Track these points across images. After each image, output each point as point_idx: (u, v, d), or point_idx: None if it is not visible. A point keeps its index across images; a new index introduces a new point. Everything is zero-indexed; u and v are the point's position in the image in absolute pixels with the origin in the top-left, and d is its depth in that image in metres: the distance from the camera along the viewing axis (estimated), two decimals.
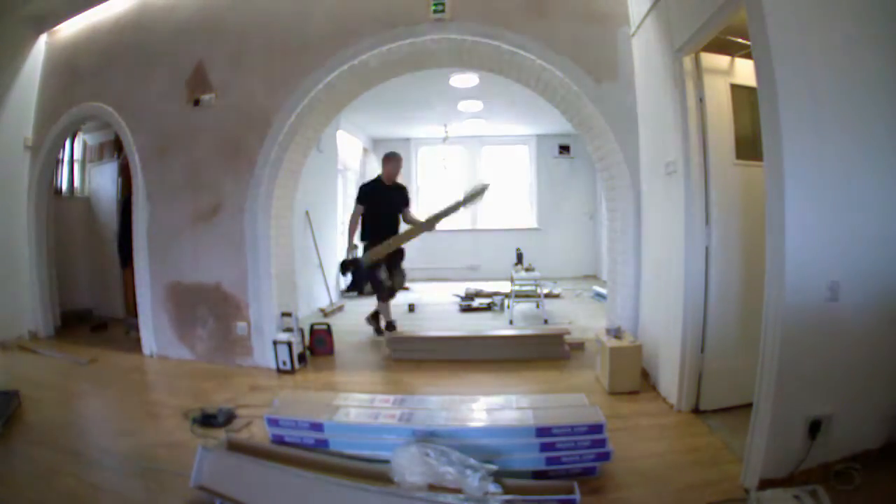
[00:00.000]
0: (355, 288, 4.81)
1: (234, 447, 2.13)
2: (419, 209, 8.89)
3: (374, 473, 1.88)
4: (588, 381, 3.20)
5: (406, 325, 4.69)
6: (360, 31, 3.42)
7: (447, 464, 1.78)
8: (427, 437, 2.02)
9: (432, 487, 1.74)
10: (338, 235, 6.83)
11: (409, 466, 1.78)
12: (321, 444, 2.16)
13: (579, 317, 5.11)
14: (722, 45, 2.53)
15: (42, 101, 4.49)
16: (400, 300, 5.74)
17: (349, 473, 1.93)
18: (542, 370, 3.46)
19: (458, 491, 1.72)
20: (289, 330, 3.59)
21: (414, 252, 7.95)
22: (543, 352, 3.70)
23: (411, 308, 5.73)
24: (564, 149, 8.55)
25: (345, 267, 4.26)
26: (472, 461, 1.80)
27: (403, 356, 3.76)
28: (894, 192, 1.87)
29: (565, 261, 8.09)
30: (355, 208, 4.36)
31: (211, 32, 3.74)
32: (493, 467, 1.81)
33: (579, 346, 3.85)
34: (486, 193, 4.25)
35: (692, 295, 2.56)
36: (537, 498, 1.70)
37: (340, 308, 5.95)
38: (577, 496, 1.71)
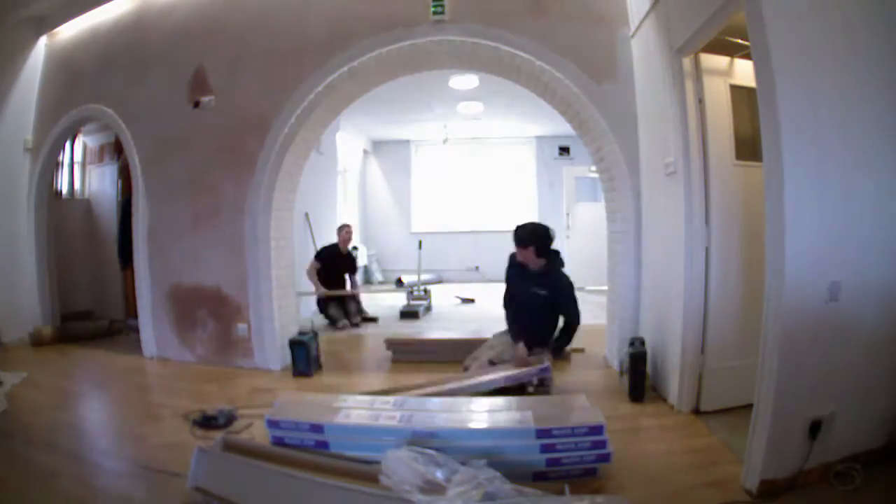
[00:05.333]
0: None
1: (230, 448, 2.13)
2: (418, 210, 8.94)
3: (370, 474, 1.87)
4: (588, 382, 3.19)
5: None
6: (359, 33, 3.43)
7: (435, 466, 1.78)
8: (427, 439, 2.02)
9: (423, 490, 1.73)
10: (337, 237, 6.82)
11: (398, 469, 1.78)
12: (321, 446, 2.16)
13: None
14: (721, 46, 2.53)
15: (42, 103, 4.50)
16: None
17: (345, 474, 1.92)
18: None
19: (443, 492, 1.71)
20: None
21: (412, 254, 7.98)
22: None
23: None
24: (564, 150, 8.55)
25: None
26: (460, 465, 1.79)
27: (402, 358, 3.75)
28: (894, 193, 1.87)
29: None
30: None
31: (210, 35, 3.75)
32: (488, 472, 1.79)
33: (579, 348, 3.85)
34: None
35: (692, 295, 2.56)
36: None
37: None
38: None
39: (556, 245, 3.11)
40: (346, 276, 5.27)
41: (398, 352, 3.81)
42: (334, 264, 5.15)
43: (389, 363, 3.73)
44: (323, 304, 5.09)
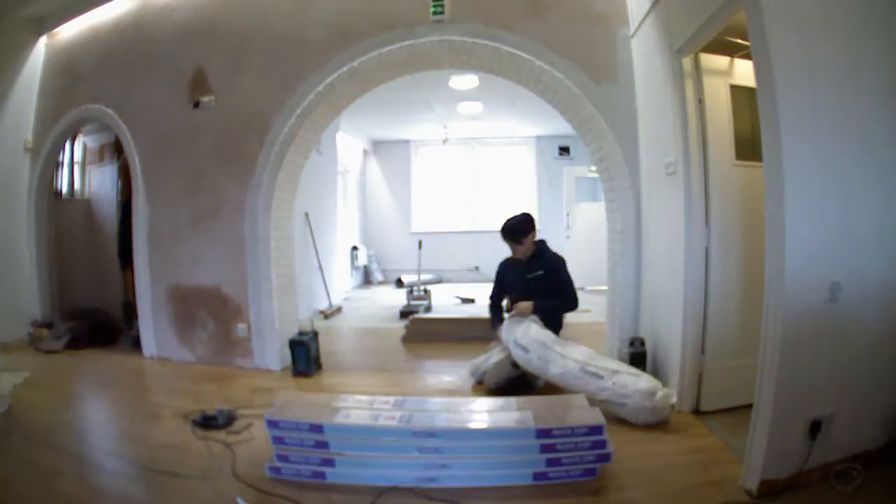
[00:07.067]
0: None
1: None
2: (418, 210, 8.94)
3: None
4: None
5: None
6: (359, 33, 3.43)
7: None
8: (427, 439, 2.02)
9: None
10: (337, 237, 6.82)
11: None
12: (321, 446, 2.16)
13: (577, 315, 5.09)
14: (721, 46, 2.53)
15: (42, 103, 4.50)
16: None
17: None
18: None
19: None
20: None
21: (412, 254, 7.99)
22: None
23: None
24: (564, 150, 8.55)
25: None
26: None
27: (418, 336, 4.36)
28: (894, 192, 1.87)
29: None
30: None
31: (210, 35, 3.75)
32: None
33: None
34: None
35: (692, 295, 2.56)
36: None
37: (339, 310, 5.95)
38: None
39: (554, 245, 3.31)
40: None
41: (414, 329, 4.41)
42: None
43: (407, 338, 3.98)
44: None
